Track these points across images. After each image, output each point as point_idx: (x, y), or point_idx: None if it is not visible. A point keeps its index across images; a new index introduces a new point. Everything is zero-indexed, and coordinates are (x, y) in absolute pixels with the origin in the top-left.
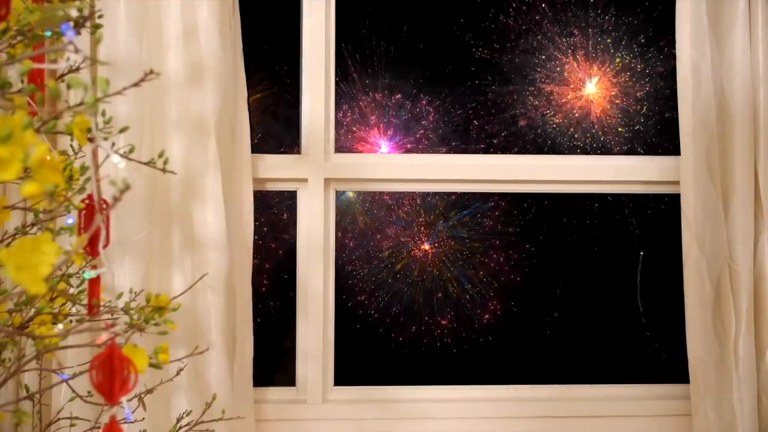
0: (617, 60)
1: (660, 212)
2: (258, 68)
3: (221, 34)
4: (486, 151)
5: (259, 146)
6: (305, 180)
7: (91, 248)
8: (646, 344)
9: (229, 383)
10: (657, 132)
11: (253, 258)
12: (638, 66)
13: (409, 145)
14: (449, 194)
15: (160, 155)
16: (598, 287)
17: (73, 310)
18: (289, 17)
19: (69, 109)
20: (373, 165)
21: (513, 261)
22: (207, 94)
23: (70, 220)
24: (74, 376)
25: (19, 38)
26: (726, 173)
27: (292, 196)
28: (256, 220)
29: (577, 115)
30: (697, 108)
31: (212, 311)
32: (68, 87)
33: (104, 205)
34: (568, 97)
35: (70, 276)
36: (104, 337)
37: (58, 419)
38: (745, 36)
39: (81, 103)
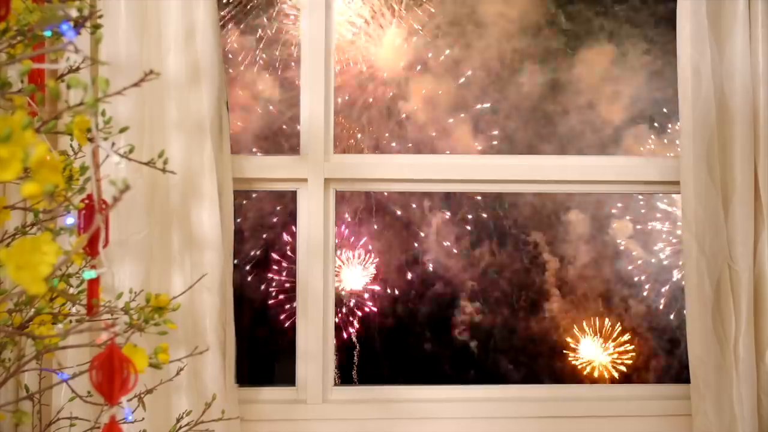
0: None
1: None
2: (258, 68)
3: (215, 35)
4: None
5: (258, 146)
6: (305, 180)
7: (91, 248)
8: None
9: (223, 383)
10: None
11: (254, 258)
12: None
13: None
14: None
15: (160, 155)
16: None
17: (73, 310)
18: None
19: (69, 109)
20: (372, 165)
21: (513, 261)
22: (203, 94)
23: (70, 220)
24: (74, 376)
25: (19, 38)
26: (726, 173)
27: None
28: (257, 220)
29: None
30: (697, 108)
31: (208, 312)
32: (68, 87)
33: (104, 205)
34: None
35: (70, 276)
36: (104, 337)
37: (58, 419)
38: (745, 36)
39: (81, 103)
